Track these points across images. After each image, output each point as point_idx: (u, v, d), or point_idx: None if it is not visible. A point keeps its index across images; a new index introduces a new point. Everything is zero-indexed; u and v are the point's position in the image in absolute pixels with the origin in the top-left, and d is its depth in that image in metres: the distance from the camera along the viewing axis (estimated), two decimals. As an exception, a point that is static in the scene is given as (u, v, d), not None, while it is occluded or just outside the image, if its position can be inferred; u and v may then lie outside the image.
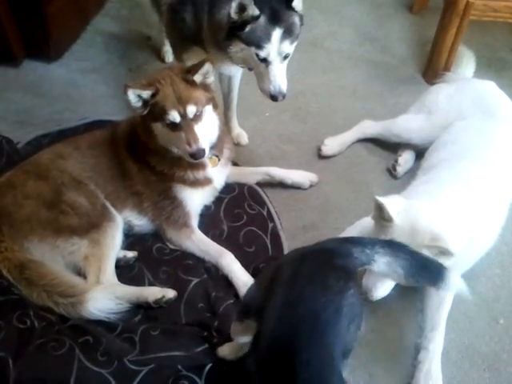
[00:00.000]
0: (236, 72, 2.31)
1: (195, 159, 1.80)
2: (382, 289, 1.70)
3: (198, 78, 1.79)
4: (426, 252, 1.57)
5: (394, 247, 1.46)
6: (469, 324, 1.98)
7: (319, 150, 2.55)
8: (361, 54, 3.15)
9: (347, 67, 3.06)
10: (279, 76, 1.97)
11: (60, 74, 2.88)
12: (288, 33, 1.91)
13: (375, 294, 1.69)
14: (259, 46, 1.90)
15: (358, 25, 3.34)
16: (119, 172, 1.93)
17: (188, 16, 2.06)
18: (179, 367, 1.54)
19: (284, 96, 2.01)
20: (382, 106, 2.81)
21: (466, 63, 2.65)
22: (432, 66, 2.88)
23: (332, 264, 1.36)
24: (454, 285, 1.46)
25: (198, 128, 1.78)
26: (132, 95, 1.73)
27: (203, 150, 1.77)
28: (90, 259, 1.76)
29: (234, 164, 2.24)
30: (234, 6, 1.85)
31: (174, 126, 1.76)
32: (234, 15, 1.87)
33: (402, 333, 1.95)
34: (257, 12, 1.84)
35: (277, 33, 1.89)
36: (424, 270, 1.45)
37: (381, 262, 1.42)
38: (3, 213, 1.77)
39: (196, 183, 1.94)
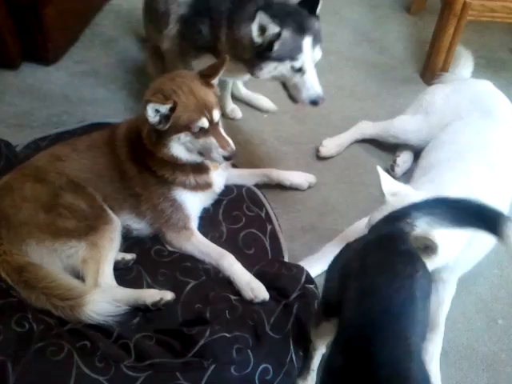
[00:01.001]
0: (244, 78, 2.34)
1: (228, 160, 1.86)
2: None
3: (216, 80, 1.82)
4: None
5: (428, 206, 1.45)
6: (467, 324, 1.98)
7: (317, 151, 2.55)
8: (359, 55, 3.16)
9: (345, 68, 3.06)
10: (315, 81, 2.03)
11: (58, 77, 2.88)
12: (316, 39, 1.99)
13: None
14: (293, 58, 1.96)
15: (356, 26, 3.35)
16: (118, 174, 1.92)
17: (204, 28, 2.10)
18: (177, 374, 1.53)
19: (323, 99, 2.06)
20: (380, 106, 2.82)
21: (463, 63, 2.66)
22: (430, 67, 2.89)
23: (396, 250, 1.37)
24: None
25: (222, 131, 1.81)
26: (150, 110, 1.69)
27: (236, 152, 1.81)
28: (89, 262, 1.75)
29: (233, 166, 2.24)
30: (254, 29, 1.89)
31: (200, 133, 1.76)
32: (257, 39, 1.92)
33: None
34: (277, 29, 1.89)
35: (307, 41, 1.96)
36: (473, 218, 1.41)
37: (422, 225, 1.42)
38: (1, 216, 1.76)
39: (196, 187, 1.94)
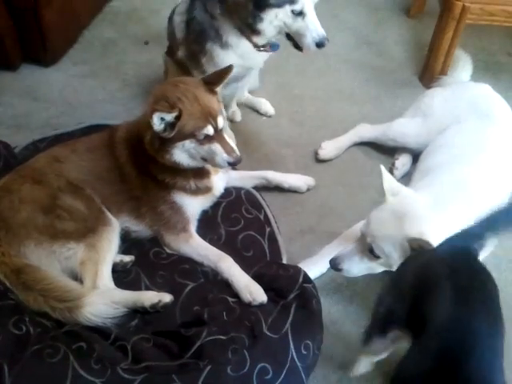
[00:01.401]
0: (256, 64, 2.33)
1: (233, 166, 1.86)
2: (350, 267, 1.79)
3: (220, 88, 1.81)
4: (403, 248, 1.62)
5: (493, 225, 1.49)
6: (466, 327, 1.98)
7: (316, 153, 2.56)
8: (358, 58, 3.16)
9: (344, 71, 3.07)
10: (318, 24, 2.02)
11: (57, 79, 2.88)
12: None
13: (342, 266, 1.79)
14: (292, 2, 1.93)
15: (355, 28, 3.35)
16: (117, 176, 1.92)
17: (198, 13, 2.10)
18: (173, 376, 1.53)
19: (328, 40, 2.05)
20: (379, 109, 2.82)
21: (462, 67, 2.66)
22: (429, 70, 2.89)
23: (476, 260, 1.43)
24: None
25: (227, 137, 1.81)
26: (156, 119, 1.68)
27: (241, 158, 1.82)
28: (87, 264, 1.75)
29: (232, 168, 2.24)
30: None
31: (205, 140, 1.76)
32: None
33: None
34: None
35: None
36: None
37: (490, 242, 1.54)
38: (0, 217, 1.76)
39: (197, 191, 1.94)
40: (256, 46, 2.14)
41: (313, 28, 2.00)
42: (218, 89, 1.82)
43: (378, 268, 1.81)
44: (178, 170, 1.87)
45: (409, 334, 1.42)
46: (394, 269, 1.75)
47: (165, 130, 1.72)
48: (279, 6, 1.93)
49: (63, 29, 2.88)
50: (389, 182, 1.79)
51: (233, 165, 1.84)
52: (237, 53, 2.15)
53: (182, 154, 1.80)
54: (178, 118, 1.70)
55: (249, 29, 2.05)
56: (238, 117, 2.70)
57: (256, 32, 2.06)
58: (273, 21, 1.99)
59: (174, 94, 1.73)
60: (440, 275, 1.38)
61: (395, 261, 1.70)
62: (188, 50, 2.26)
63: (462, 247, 1.45)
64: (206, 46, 2.16)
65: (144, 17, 3.32)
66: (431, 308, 1.33)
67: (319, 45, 2.04)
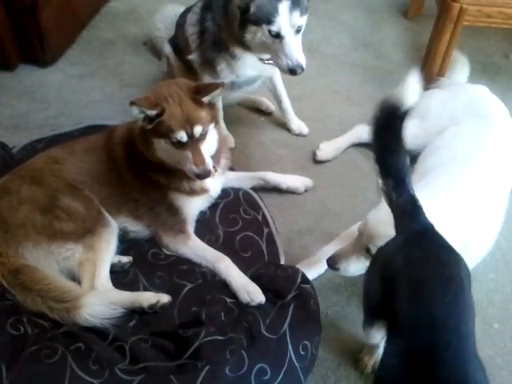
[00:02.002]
0: (269, 72, 2.36)
1: (200, 179, 1.81)
2: (347, 266, 1.78)
3: (207, 99, 1.78)
4: None
5: None
6: (463, 328, 1.98)
7: (314, 154, 2.56)
8: (355, 59, 3.17)
9: (342, 72, 3.07)
10: (295, 48, 2.01)
11: (55, 79, 2.88)
12: (295, 4, 1.96)
13: (339, 265, 1.79)
14: (269, 22, 1.94)
15: (352, 30, 3.36)
16: (115, 177, 1.92)
17: (210, 25, 2.17)
18: (171, 377, 1.53)
19: (303, 69, 2.03)
20: (377, 110, 2.82)
21: (460, 68, 2.67)
22: (426, 71, 2.89)
23: (435, 243, 1.40)
24: None
25: (203, 147, 1.78)
26: (136, 111, 1.71)
27: (209, 171, 1.78)
28: (85, 264, 1.75)
29: (230, 169, 2.24)
30: None
31: (179, 145, 1.75)
32: (238, 1, 1.95)
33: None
34: None
35: (284, 5, 1.94)
36: None
37: None
38: (-3, 218, 1.76)
39: (192, 192, 1.94)
40: (260, 58, 2.18)
41: (288, 52, 2.00)
42: (206, 99, 1.78)
43: None
44: (170, 171, 1.87)
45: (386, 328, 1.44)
46: None
47: (144, 120, 1.74)
48: (257, 24, 1.97)
49: (61, 29, 2.88)
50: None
51: (199, 177, 1.80)
52: (246, 63, 2.21)
53: (162, 152, 1.81)
54: (159, 115, 1.72)
55: (241, 43, 2.09)
56: (305, 129, 2.67)
57: (246, 47, 2.10)
58: (253, 37, 2.02)
59: (163, 92, 1.76)
60: (395, 268, 1.38)
61: None
62: (203, 57, 2.31)
63: (419, 230, 1.43)
64: (219, 56, 2.23)
65: (142, 17, 3.32)
66: (395, 305, 1.35)
67: (291, 71, 2.04)
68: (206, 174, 1.78)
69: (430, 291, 1.29)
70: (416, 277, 1.33)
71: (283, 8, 1.94)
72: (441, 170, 1.98)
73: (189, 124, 1.73)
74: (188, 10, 2.41)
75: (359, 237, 1.78)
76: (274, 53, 2.05)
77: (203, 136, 1.78)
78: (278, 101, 2.64)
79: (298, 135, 2.67)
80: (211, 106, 1.82)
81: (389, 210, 1.73)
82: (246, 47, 2.10)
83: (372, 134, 1.57)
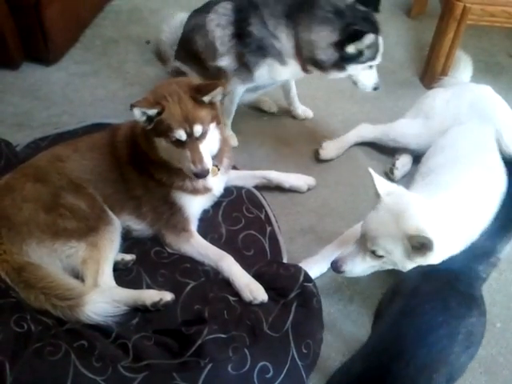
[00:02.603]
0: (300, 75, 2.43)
1: (198, 178, 1.81)
2: (353, 268, 1.79)
3: (206, 99, 1.77)
4: (404, 246, 1.63)
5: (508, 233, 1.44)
6: (466, 327, 1.98)
7: (317, 153, 2.56)
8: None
9: (345, 71, 3.06)
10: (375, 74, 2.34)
11: (58, 78, 2.89)
12: None
13: (344, 268, 1.79)
14: (373, 59, 2.23)
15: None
16: (118, 175, 1.93)
17: (257, 29, 2.20)
18: (174, 374, 1.53)
19: (379, 87, 2.38)
20: (380, 109, 2.83)
21: (463, 67, 2.67)
22: (430, 70, 2.90)
23: (456, 289, 1.35)
24: None
25: (203, 147, 1.78)
26: (137, 112, 1.71)
27: (207, 171, 1.78)
28: (88, 262, 1.75)
29: (233, 167, 2.24)
30: (354, 47, 2.12)
31: (179, 144, 1.75)
32: (352, 50, 2.14)
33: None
34: (373, 38, 2.12)
35: (381, 40, 2.22)
36: None
37: (504, 252, 1.44)
38: (2, 216, 1.76)
39: (195, 191, 1.94)
40: (307, 70, 2.31)
41: (375, 76, 2.33)
42: (207, 98, 1.77)
43: (383, 266, 1.81)
44: (173, 170, 1.87)
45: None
46: (395, 267, 1.76)
47: (145, 121, 1.75)
48: (363, 62, 2.21)
49: (65, 28, 2.89)
50: (381, 182, 1.79)
51: (197, 177, 1.79)
52: (289, 70, 2.31)
53: (164, 151, 1.81)
54: (159, 114, 1.72)
55: (313, 65, 2.26)
56: (310, 113, 2.78)
57: (326, 70, 2.25)
58: (352, 73, 2.25)
59: (162, 92, 1.76)
60: (401, 291, 1.39)
61: (398, 258, 1.70)
62: (239, 61, 2.31)
63: (457, 270, 1.40)
64: (265, 61, 2.27)
65: (145, 16, 3.33)
66: (383, 316, 1.36)
67: (376, 89, 2.37)
68: (203, 174, 1.78)
69: (412, 326, 1.27)
70: (409, 306, 1.32)
71: (381, 43, 2.22)
72: (444, 168, 1.98)
73: (188, 123, 1.73)
74: (198, 13, 2.39)
75: (362, 237, 1.78)
76: (359, 79, 2.32)
77: (203, 135, 1.78)
78: (287, 90, 2.69)
79: (304, 119, 2.76)
80: (212, 105, 1.81)
81: (387, 209, 1.74)
82: (323, 69, 2.25)
83: None
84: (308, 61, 2.24)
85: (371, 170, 1.80)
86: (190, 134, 1.74)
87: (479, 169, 1.93)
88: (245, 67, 2.31)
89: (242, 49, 2.26)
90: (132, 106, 1.70)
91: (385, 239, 1.71)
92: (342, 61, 2.17)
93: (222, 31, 2.28)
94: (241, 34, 2.24)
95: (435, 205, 1.73)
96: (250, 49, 2.25)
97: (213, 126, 1.83)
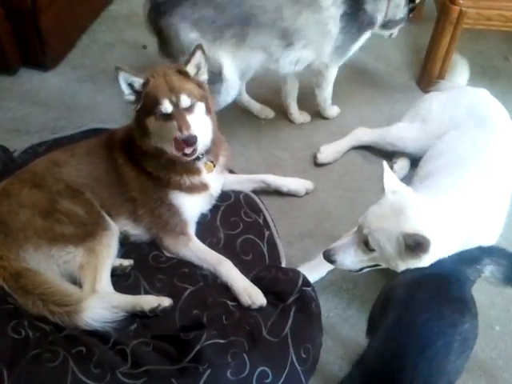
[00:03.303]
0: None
1: (187, 147, 1.77)
2: (344, 259, 1.78)
3: (190, 69, 1.83)
4: (398, 243, 1.63)
5: (500, 255, 1.45)
6: (465, 331, 1.98)
7: (315, 157, 2.56)
8: (356, 62, 3.16)
9: (342, 75, 3.06)
10: None
11: (56, 83, 2.88)
12: None
13: (335, 258, 1.79)
14: None
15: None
16: (115, 179, 1.92)
17: (369, 5, 2.39)
18: (173, 381, 1.53)
19: None
20: (377, 113, 2.83)
21: (459, 71, 2.68)
22: (426, 74, 2.90)
23: (448, 294, 1.34)
24: None
25: (191, 118, 1.78)
26: (123, 82, 1.77)
27: (195, 137, 1.75)
28: (86, 268, 1.74)
29: (230, 171, 2.24)
30: None
31: (166, 117, 1.76)
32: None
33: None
34: None
35: None
36: None
37: (487, 272, 1.43)
38: (-1, 221, 1.76)
39: (192, 189, 1.94)
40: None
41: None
42: (204, 77, 1.87)
43: (370, 262, 1.80)
44: (169, 166, 1.88)
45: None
46: (387, 265, 1.76)
47: (135, 101, 1.80)
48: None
49: (62, 33, 2.89)
50: (390, 179, 1.79)
51: (184, 142, 1.75)
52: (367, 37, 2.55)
53: (154, 134, 1.82)
54: (145, 85, 1.77)
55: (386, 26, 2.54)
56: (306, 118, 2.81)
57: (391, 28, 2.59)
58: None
59: (150, 72, 1.82)
60: (393, 300, 1.37)
61: (389, 255, 1.69)
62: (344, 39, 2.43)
63: (446, 272, 1.40)
64: (365, 33, 2.49)
65: (142, 21, 3.31)
66: (378, 329, 1.34)
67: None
68: (190, 140, 1.75)
69: (409, 340, 1.26)
70: (404, 319, 1.30)
71: None
72: (443, 171, 1.99)
73: (173, 92, 1.76)
74: None
75: (358, 230, 1.78)
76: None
77: (191, 109, 1.79)
78: (288, 91, 2.72)
79: (301, 124, 2.77)
80: (200, 83, 1.86)
81: (389, 205, 1.74)
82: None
83: None
84: (384, 23, 2.50)
85: (385, 164, 1.80)
86: (176, 105, 1.76)
87: (478, 173, 1.93)
88: (354, 40, 2.47)
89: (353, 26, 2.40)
90: (118, 70, 1.76)
91: (380, 233, 1.71)
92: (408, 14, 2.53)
93: (337, 10, 2.32)
94: (353, 12, 2.36)
95: (435, 207, 1.73)
96: (361, 24, 2.41)
97: (201, 106, 1.84)
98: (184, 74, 1.82)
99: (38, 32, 2.70)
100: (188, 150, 1.78)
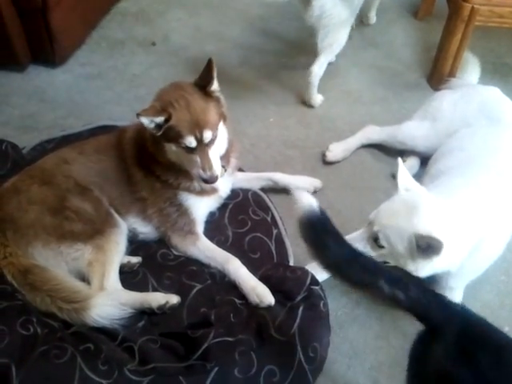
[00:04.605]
0: None
1: (207, 184, 1.82)
2: None
3: (213, 86, 1.77)
4: (409, 243, 1.62)
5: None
6: (474, 331, 1.97)
7: (324, 155, 2.55)
8: (365, 60, 3.15)
9: (352, 72, 3.06)
10: None
11: (64, 80, 2.89)
12: None
13: None
14: None
15: (362, 30, 3.34)
16: (124, 178, 1.92)
17: None
18: (180, 378, 1.53)
19: None
20: (387, 111, 2.81)
21: (471, 69, 2.65)
22: (437, 72, 2.88)
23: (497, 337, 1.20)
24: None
25: (212, 152, 1.77)
26: (145, 120, 1.70)
27: (216, 177, 1.78)
28: (94, 265, 1.75)
29: (239, 169, 2.24)
30: None
31: (188, 149, 1.75)
32: None
33: (407, 340, 1.92)
34: None
35: None
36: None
37: None
38: (8, 218, 1.77)
39: (202, 192, 1.94)
40: None
41: None
42: (215, 87, 1.78)
43: (378, 259, 1.77)
44: (180, 171, 1.87)
45: None
46: (395, 263, 1.74)
47: (154, 128, 1.73)
48: None
49: (71, 30, 2.89)
50: (404, 176, 1.77)
51: (206, 182, 1.80)
52: None
53: (174, 154, 1.81)
54: (166, 121, 1.71)
55: None
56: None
57: None
58: None
59: (169, 98, 1.74)
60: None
61: (399, 253, 1.68)
62: None
63: (461, 316, 1.25)
64: None
65: (151, 18, 3.33)
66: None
67: None
68: (212, 180, 1.78)
69: None
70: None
71: None
72: (455, 171, 1.96)
73: (198, 129, 1.72)
74: None
75: (369, 226, 1.76)
76: None
77: (212, 141, 1.77)
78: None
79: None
80: (218, 100, 1.81)
81: (402, 202, 1.72)
82: None
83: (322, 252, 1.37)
84: None
85: (400, 161, 1.78)
86: (199, 140, 1.73)
87: (490, 172, 1.91)
88: None
89: None
90: (138, 115, 1.69)
91: (392, 230, 1.69)
92: None
93: None
94: None
95: (448, 208, 1.71)
96: None
97: (221, 127, 1.82)
98: (209, 97, 1.77)
99: (48, 29, 2.70)
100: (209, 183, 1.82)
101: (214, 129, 1.76)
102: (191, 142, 1.72)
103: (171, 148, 1.78)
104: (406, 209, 1.68)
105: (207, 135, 1.73)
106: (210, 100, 1.77)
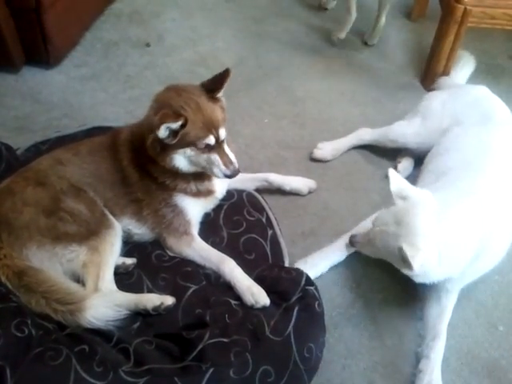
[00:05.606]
0: None
1: (230, 178, 1.84)
2: (362, 249, 1.97)
3: (222, 93, 1.80)
4: (397, 255, 1.65)
5: None
6: (468, 331, 1.98)
7: (311, 152, 2.55)
8: (359, 61, 3.17)
9: (346, 73, 3.07)
10: None
11: (59, 81, 2.88)
12: None
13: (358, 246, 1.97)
14: None
15: (356, 31, 3.35)
16: (119, 179, 1.91)
17: None
18: (175, 379, 1.53)
19: None
20: (381, 112, 2.83)
21: (463, 63, 2.71)
22: (430, 73, 2.90)
23: None
24: None
25: (226, 147, 1.81)
26: (164, 129, 1.68)
27: (238, 170, 1.81)
28: (89, 266, 1.74)
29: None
30: None
31: (206, 150, 1.76)
32: None
33: (402, 340, 1.95)
34: None
35: None
36: None
37: None
38: (2, 220, 1.75)
39: (198, 194, 1.94)
40: None
41: None
42: (221, 94, 1.81)
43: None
44: (177, 173, 1.86)
45: None
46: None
47: (168, 136, 1.72)
48: None
49: (65, 31, 2.88)
50: (397, 185, 1.78)
51: (229, 177, 1.82)
52: None
53: (182, 160, 1.80)
54: (183, 126, 1.70)
55: None
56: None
57: None
58: None
59: (177, 103, 1.73)
60: None
61: (392, 260, 1.76)
62: None
63: None
64: None
65: (145, 19, 3.33)
66: None
67: None
68: (235, 174, 1.81)
69: None
70: None
71: None
72: (453, 175, 1.97)
73: (214, 127, 1.74)
74: None
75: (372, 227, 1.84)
76: None
77: (225, 138, 1.80)
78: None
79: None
80: (222, 105, 1.82)
81: (393, 214, 1.74)
82: None
83: None
84: None
85: (391, 170, 1.81)
86: (217, 139, 1.76)
87: (490, 176, 1.92)
88: None
89: None
90: (160, 123, 1.65)
91: (383, 238, 1.73)
92: None
93: None
94: None
95: (448, 218, 1.72)
96: None
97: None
98: (215, 101, 1.79)
99: (42, 30, 2.70)
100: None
101: (225, 125, 1.79)
102: (211, 140, 1.74)
103: (186, 152, 1.77)
104: (395, 222, 1.72)
105: (222, 132, 1.77)
106: (215, 102, 1.80)
